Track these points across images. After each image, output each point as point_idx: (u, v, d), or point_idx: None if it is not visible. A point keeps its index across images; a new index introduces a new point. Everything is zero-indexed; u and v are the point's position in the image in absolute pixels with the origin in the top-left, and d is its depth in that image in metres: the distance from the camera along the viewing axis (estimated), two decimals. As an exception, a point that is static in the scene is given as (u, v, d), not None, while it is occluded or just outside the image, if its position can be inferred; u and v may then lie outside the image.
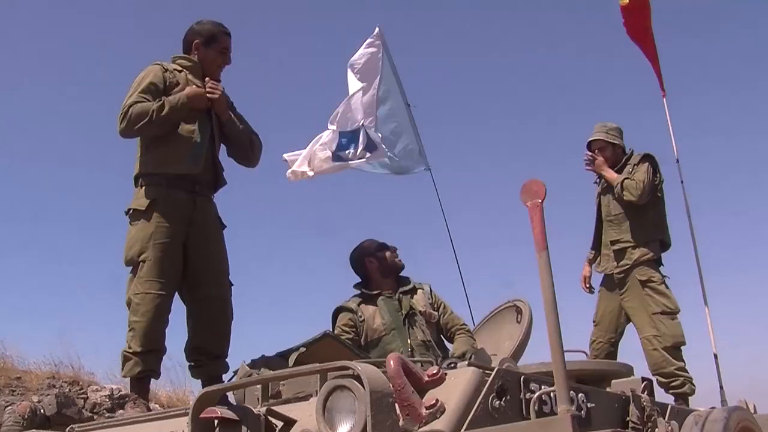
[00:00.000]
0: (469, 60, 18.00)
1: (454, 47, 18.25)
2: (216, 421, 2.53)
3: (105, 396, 8.42)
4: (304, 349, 3.87)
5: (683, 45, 16.16)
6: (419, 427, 2.27)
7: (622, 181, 5.55)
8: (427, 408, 2.30)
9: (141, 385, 4.10)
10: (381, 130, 6.13)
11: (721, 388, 5.64)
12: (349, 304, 4.80)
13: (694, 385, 5.22)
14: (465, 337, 4.69)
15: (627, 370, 3.63)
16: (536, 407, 2.51)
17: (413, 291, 4.85)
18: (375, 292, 4.81)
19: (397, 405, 2.29)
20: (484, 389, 2.40)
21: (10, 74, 14.94)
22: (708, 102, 17.09)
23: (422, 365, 2.65)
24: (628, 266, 5.53)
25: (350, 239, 5.15)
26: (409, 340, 4.58)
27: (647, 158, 5.71)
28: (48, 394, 8.50)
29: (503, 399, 2.45)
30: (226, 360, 4.33)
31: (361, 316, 4.71)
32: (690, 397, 5.17)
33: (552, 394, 2.63)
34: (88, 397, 8.42)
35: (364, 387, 2.15)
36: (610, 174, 5.68)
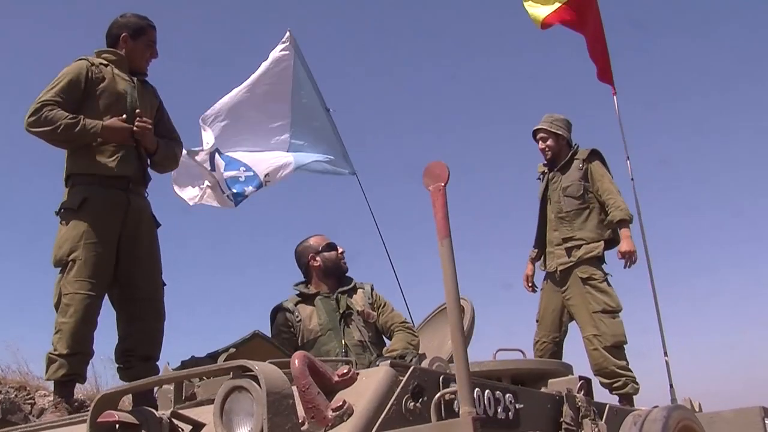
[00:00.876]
0: (406, 57, 17.96)
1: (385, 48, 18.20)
2: (117, 425, 2.39)
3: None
4: (234, 349, 3.73)
5: (633, 42, 16.20)
6: (325, 431, 2.13)
7: (619, 211, 5.42)
8: (333, 410, 2.16)
9: (65, 388, 3.93)
10: (298, 138, 6.00)
11: (671, 386, 5.56)
12: (286, 304, 4.67)
13: (637, 384, 5.13)
14: (403, 334, 4.54)
15: (565, 369, 3.52)
16: (455, 408, 2.39)
17: (353, 291, 4.72)
18: (313, 292, 4.67)
19: (301, 407, 2.16)
20: (398, 390, 2.26)
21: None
22: (660, 99, 17.17)
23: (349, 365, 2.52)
24: (571, 264, 5.43)
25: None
26: (343, 341, 4.45)
27: (596, 155, 5.63)
28: (-7, 400, 8.28)
29: (420, 400, 2.32)
30: (157, 363, 4.18)
31: (297, 317, 4.58)
32: (635, 396, 5.09)
33: (476, 392, 2.53)
34: (35, 403, 8.21)
35: (261, 388, 2.00)
36: (626, 233, 5.44)
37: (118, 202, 4.11)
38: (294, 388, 2.15)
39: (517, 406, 2.73)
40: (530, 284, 5.89)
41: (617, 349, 5.20)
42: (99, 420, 2.33)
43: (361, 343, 4.47)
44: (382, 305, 4.73)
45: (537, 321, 5.64)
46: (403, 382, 2.29)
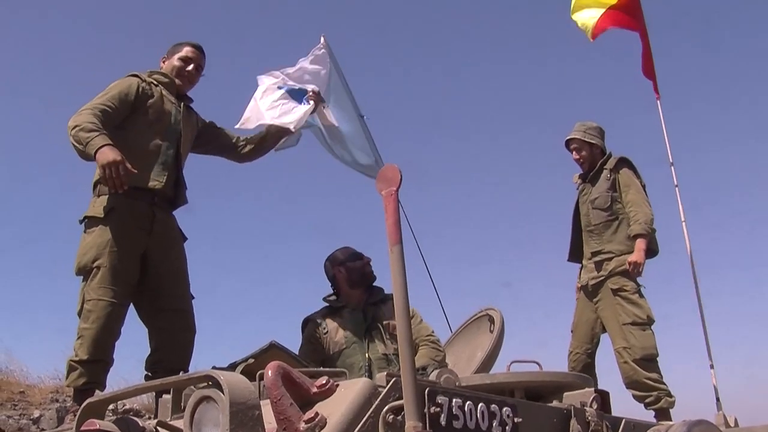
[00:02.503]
0: (448, 64, 17.88)
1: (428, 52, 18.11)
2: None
3: (110, 410, 8.36)
4: (252, 360, 3.71)
5: (678, 47, 15.80)
6: (296, 443, 2.09)
7: (637, 225, 5.27)
8: (305, 422, 2.12)
9: (84, 396, 3.95)
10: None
11: (718, 399, 5.34)
12: (315, 316, 4.65)
13: (671, 397, 4.94)
14: (427, 349, 4.43)
15: (582, 382, 3.37)
16: (442, 422, 2.32)
17: (382, 302, 4.63)
18: (341, 305, 4.63)
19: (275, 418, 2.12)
20: (376, 402, 2.21)
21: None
22: (702, 104, 16.69)
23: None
24: (602, 278, 5.30)
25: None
26: (367, 354, 4.38)
27: (624, 162, 5.49)
28: (50, 408, 8.48)
29: (401, 413, 2.25)
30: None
31: (325, 329, 4.54)
32: (675, 410, 4.91)
33: (467, 406, 2.46)
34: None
35: (225, 398, 1.98)
36: (641, 245, 5.25)
37: (144, 213, 4.16)
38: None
39: (516, 420, 2.64)
40: None
41: (648, 362, 5.03)
42: (82, 429, 2.34)
43: (386, 357, 4.39)
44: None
45: (571, 331, 5.52)
46: (382, 394, 2.23)
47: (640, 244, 5.22)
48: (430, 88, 17.86)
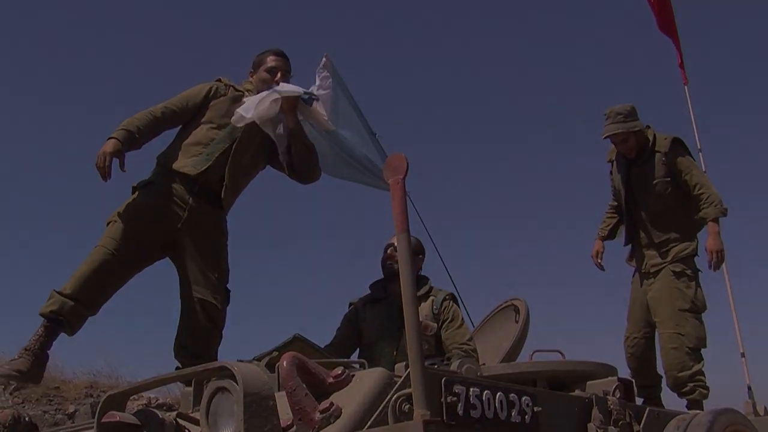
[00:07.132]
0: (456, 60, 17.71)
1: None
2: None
3: (142, 405, 8.45)
4: (277, 353, 3.74)
5: (706, 32, 15.56)
6: (312, 433, 2.10)
7: (713, 207, 5.04)
8: (320, 412, 2.13)
9: (48, 329, 3.98)
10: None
11: (749, 388, 5.25)
12: (357, 302, 4.67)
13: (706, 390, 4.79)
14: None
15: (606, 371, 3.35)
16: (459, 411, 2.32)
17: (424, 297, 4.54)
18: (382, 295, 4.62)
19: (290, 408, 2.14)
20: (391, 392, 2.21)
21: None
22: (731, 89, 16.39)
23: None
24: (666, 262, 5.12)
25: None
26: (396, 351, 4.33)
27: (680, 144, 5.25)
28: (84, 404, 8.60)
29: (417, 402, 2.25)
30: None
31: (363, 317, 4.55)
32: (708, 400, 4.81)
33: (485, 395, 2.44)
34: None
35: (239, 388, 2.00)
36: (714, 228, 5.01)
37: (178, 196, 4.23)
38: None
39: (536, 409, 2.62)
40: (599, 260, 5.58)
41: (698, 352, 4.88)
42: (102, 420, 2.37)
43: None
44: (448, 319, 4.51)
45: (627, 316, 5.35)
46: (398, 384, 2.23)
47: (714, 228, 4.98)
48: (435, 86, 17.76)
